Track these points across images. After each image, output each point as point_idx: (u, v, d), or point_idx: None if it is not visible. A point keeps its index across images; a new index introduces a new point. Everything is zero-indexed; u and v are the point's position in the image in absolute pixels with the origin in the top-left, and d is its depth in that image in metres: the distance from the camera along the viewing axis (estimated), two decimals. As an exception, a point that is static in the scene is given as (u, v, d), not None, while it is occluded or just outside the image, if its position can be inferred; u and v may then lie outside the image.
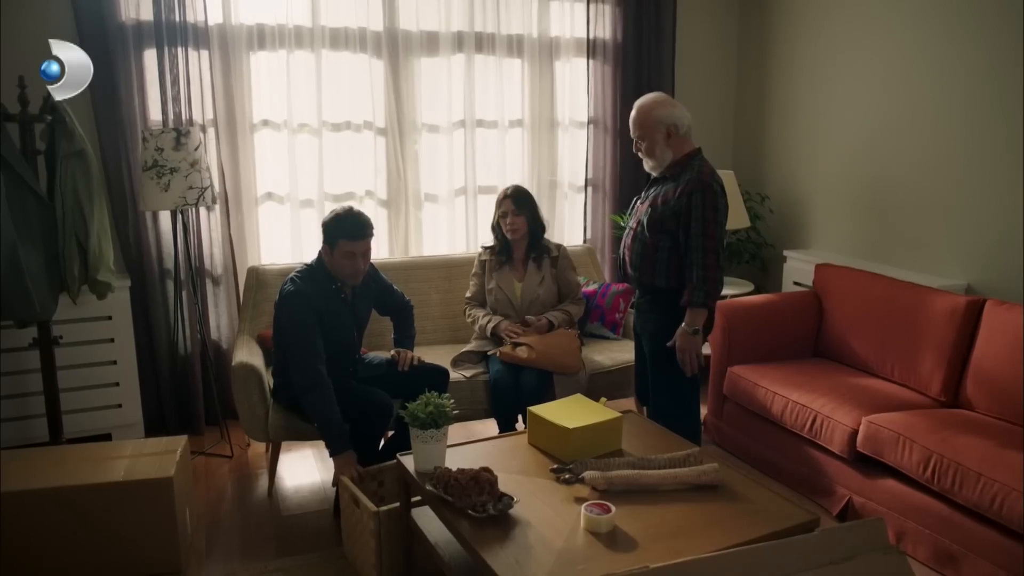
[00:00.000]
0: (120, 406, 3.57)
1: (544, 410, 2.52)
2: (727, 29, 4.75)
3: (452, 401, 2.36)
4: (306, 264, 2.98)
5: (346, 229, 2.87)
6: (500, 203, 3.43)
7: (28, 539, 2.52)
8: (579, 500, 2.13)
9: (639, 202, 2.93)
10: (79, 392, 3.45)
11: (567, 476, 2.26)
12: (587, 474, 2.22)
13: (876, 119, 3.90)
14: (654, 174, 2.90)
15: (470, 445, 2.57)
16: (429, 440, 2.29)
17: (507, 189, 3.45)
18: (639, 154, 2.85)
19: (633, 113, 2.85)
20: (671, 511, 2.12)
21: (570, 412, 2.50)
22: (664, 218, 2.77)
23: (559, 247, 3.55)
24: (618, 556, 1.90)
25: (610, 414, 2.50)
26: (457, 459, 2.33)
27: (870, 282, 3.50)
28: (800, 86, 4.36)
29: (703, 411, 3.80)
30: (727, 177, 4.11)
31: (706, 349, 3.91)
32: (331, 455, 2.82)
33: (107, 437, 3.51)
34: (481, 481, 2.08)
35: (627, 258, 2.93)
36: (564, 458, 2.37)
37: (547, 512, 2.10)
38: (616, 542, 1.97)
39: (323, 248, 2.94)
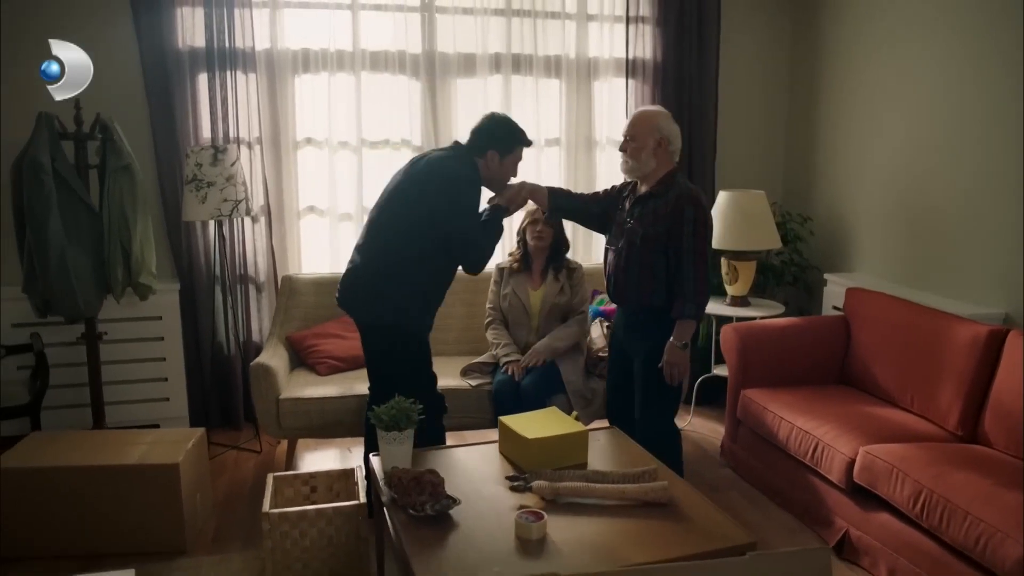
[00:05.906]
0: (168, 400, 3.88)
1: (513, 420, 2.58)
2: (775, 48, 4.63)
3: (420, 407, 2.46)
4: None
5: (524, 136, 2.93)
6: (532, 211, 3.50)
7: (44, 512, 2.80)
8: (523, 508, 2.18)
9: (628, 222, 2.91)
10: (130, 385, 3.79)
11: (518, 484, 2.31)
12: (535, 483, 2.26)
13: (925, 142, 3.72)
14: (628, 177, 2.96)
15: (443, 450, 2.67)
16: (392, 442, 2.40)
17: None
18: (623, 153, 2.88)
19: (633, 116, 2.93)
20: (609, 524, 2.13)
21: (537, 423, 2.55)
22: (657, 236, 2.79)
23: (578, 264, 3.62)
24: (537, 562, 1.94)
25: (575, 427, 2.53)
26: (427, 463, 2.43)
27: (896, 308, 3.35)
28: (852, 107, 4.20)
29: (721, 434, 3.74)
30: (757, 197, 4.04)
31: (723, 371, 3.85)
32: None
33: (155, 428, 3.82)
34: (423, 482, 2.17)
35: (621, 280, 2.91)
36: (526, 467, 2.42)
37: (489, 517, 2.16)
38: (542, 549, 2.00)
39: (489, 155, 2.87)
